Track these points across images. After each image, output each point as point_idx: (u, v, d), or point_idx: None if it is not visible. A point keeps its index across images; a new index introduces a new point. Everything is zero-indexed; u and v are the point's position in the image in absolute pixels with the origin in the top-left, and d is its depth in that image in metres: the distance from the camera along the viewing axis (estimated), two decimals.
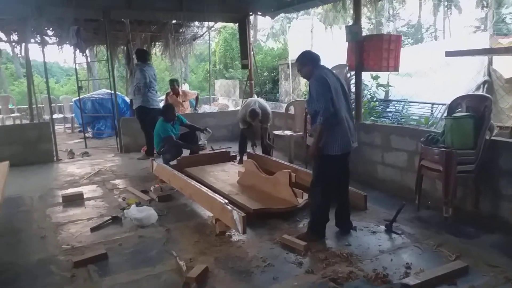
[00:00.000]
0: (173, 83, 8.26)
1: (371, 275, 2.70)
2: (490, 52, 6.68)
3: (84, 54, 8.49)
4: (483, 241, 3.23)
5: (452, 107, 4.05)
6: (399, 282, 2.57)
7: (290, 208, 3.84)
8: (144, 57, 6.61)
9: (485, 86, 6.84)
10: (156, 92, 6.70)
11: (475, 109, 3.76)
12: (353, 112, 5.43)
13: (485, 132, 3.62)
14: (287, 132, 6.11)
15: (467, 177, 3.60)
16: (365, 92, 8.02)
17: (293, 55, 13.83)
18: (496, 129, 5.53)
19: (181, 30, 10.39)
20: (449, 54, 7.09)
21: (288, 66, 13.56)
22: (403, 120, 8.02)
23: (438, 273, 2.66)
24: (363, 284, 2.60)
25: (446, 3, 26.13)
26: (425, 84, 8.78)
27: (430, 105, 8.23)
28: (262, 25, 30.65)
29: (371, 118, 7.28)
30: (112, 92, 7.38)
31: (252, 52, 8.46)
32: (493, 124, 3.81)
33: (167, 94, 8.27)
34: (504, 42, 8.53)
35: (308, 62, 3.34)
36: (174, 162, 5.39)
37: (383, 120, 8.01)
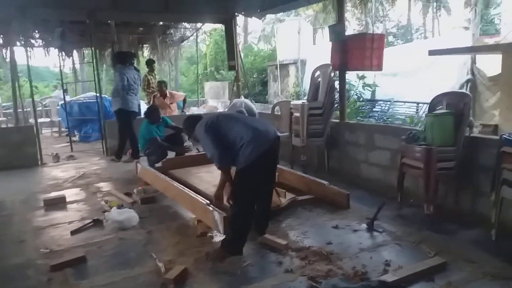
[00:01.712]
0: (161, 84, 8.25)
1: (350, 273, 2.70)
2: (472, 50, 6.75)
3: (70, 57, 8.44)
4: (462, 237, 3.26)
5: (433, 105, 4.08)
6: (377, 279, 2.57)
7: (273, 208, 3.82)
8: (123, 59, 6.57)
9: (468, 84, 6.92)
10: (136, 95, 6.66)
11: (455, 106, 3.78)
12: (337, 112, 5.52)
13: (465, 129, 3.65)
14: (280, 134, 6.09)
15: (447, 174, 3.61)
16: (351, 92, 8.05)
17: (281, 57, 13.90)
18: (479, 127, 5.62)
19: (168, 31, 10.38)
20: (432, 52, 7.20)
21: (276, 68, 13.59)
22: (389, 119, 8.07)
23: (416, 269, 2.67)
24: (341, 282, 2.59)
25: (435, 4, 26.35)
26: (411, 83, 8.87)
27: (416, 104, 8.30)
28: (254, 27, 30.74)
29: (357, 118, 7.31)
30: (98, 95, 7.34)
31: (239, 54, 8.47)
32: (472, 121, 3.85)
33: (154, 96, 8.23)
34: (490, 41, 8.64)
35: (190, 129, 3.35)
36: (159, 164, 5.37)
37: (369, 119, 8.06)
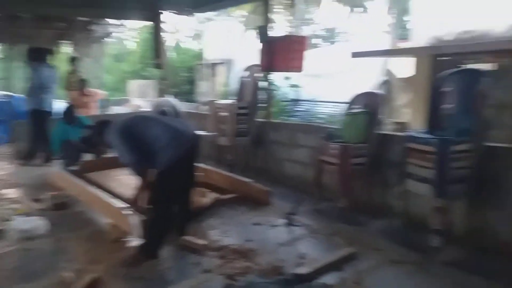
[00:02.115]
0: (80, 83, 7.80)
1: (267, 268, 2.75)
2: (389, 53, 7.24)
3: None
4: (372, 227, 3.48)
5: (351, 104, 4.30)
6: (292, 273, 2.64)
7: (195, 208, 3.76)
8: (38, 56, 6.10)
9: (385, 85, 7.40)
10: (51, 94, 6.22)
11: (369, 106, 4.02)
12: (264, 111, 5.58)
13: (376, 126, 3.89)
14: (200, 133, 6.02)
15: (361, 169, 3.82)
16: (277, 92, 8.23)
17: (210, 56, 13.86)
18: (393, 124, 6.03)
19: (91, 27, 9.83)
20: (355, 55, 7.61)
21: (205, 67, 13.52)
22: (312, 118, 8.39)
23: (328, 260, 2.79)
24: (258, 278, 2.62)
25: (359, 9, 27.94)
26: (334, 84, 9.30)
27: (337, 104, 8.71)
28: (185, 25, 30.24)
29: (283, 117, 7.50)
30: (11, 94, 6.74)
31: (166, 52, 8.26)
32: (383, 119, 4.11)
33: (73, 95, 7.74)
34: (403, 45, 9.33)
35: (101, 134, 3.14)
36: (75, 167, 5.03)
37: (294, 119, 8.31)
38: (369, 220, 3.63)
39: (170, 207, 3.04)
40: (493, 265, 2.78)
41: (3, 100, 8.04)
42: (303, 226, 3.51)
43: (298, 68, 5.50)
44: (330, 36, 23.81)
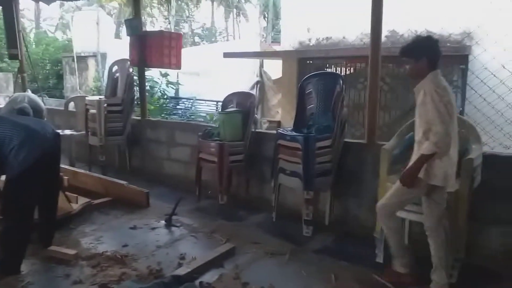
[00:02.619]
0: None
1: (145, 273, 2.66)
2: (259, 55, 7.64)
3: None
4: (250, 222, 3.63)
5: (225, 103, 4.41)
6: (170, 275, 2.60)
7: (63, 215, 3.43)
8: None
9: (258, 85, 7.80)
10: None
11: (243, 105, 4.18)
12: (140, 109, 5.35)
13: (251, 125, 4.06)
14: (67, 131, 5.51)
15: (238, 166, 3.96)
16: (155, 89, 8.01)
17: (78, 48, 12.74)
18: (267, 123, 6.41)
19: None
20: (226, 55, 7.85)
21: (73, 60, 12.34)
22: (192, 116, 8.39)
23: (208, 258, 2.81)
24: (134, 284, 2.52)
25: (235, 11, 28.80)
26: (212, 82, 9.43)
27: (215, 102, 8.87)
28: (50, 14, 27.36)
29: (162, 115, 7.32)
30: None
31: (23, 41, 7.29)
32: (256, 118, 4.33)
33: None
34: (276, 48, 9.95)
35: None
36: None
37: (174, 117, 8.19)
38: (248, 214, 3.78)
39: (26, 216, 2.71)
40: (355, 249, 3.06)
41: None
42: (183, 225, 3.49)
43: (175, 65, 5.41)
44: (209, 35, 24.05)
